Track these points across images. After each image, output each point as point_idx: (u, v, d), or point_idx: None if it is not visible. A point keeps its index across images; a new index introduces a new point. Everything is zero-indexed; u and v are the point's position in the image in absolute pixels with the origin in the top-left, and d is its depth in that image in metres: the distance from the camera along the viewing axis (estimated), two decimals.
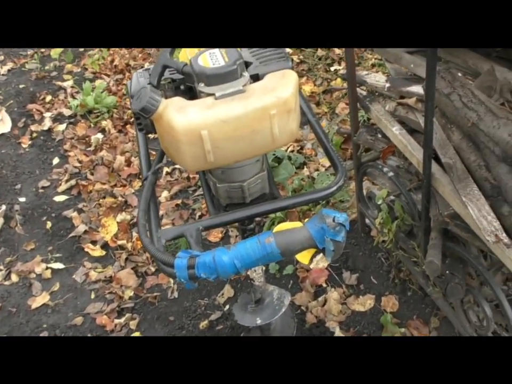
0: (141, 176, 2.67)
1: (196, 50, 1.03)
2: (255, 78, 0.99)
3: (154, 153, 2.52)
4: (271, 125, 0.93)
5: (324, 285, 1.98)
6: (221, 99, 0.92)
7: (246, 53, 1.04)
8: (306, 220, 0.88)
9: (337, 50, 3.23)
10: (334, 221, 0.84)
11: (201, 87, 0.95)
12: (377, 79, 1.80)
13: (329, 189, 0.99)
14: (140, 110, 0.89)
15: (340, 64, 3.14)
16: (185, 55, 1.06)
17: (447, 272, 1.51)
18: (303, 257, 0.88)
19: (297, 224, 0.87)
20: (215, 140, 0.90)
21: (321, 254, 2.03)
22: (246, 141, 0.93)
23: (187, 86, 1.03)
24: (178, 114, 0.90)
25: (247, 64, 1.00)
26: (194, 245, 0.91)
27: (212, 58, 0.96)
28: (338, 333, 1.80)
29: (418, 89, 1.61)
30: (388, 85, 1.73)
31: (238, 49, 1.03)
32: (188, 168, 0.98)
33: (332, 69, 3.12)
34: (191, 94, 1.03)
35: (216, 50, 0.98)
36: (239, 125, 0.90)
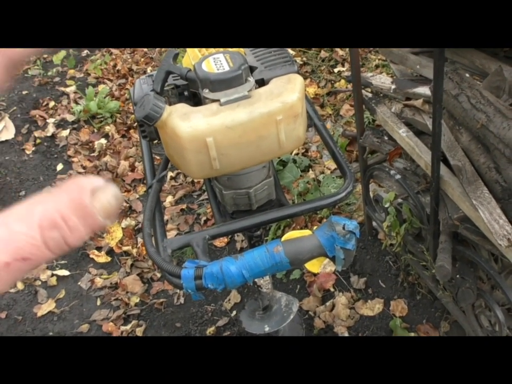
0: (145, 182, 2.66)
1: (199, 55, 1.01)
2: (261, 83, 0.97)
3: (158, 157, 2.50)
4: (278, 130, 0.90)
5: (332, 290, 1.96)
6: (226, 105, 0.90)
7: (251, 58, 1.02)
8: (315, 227, 0.85)
9: (340, 52, 3.21)
10: (344, 228, 0.82)
11: (205, 93, 0.93)
12: (383, 80, 1.78)
13: (337, 195, 0.97)
14: (143, 117, 0.87)
15: (343, 66, 3.12)
16: (188, 60, 1.05)
17: (458, 276, 1.49)
18: (312, 265, 0.86)
19: (306, 232, 0.85)
20: (220, 147, 0.88)
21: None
22: (252, 147, 0.91)
23: (191, 92, 1.01)
24: (182, 121, 0.88)
25: (251, 69, 0.98)
26: (201, 255, 0.89)
27: (216, 64, 0.94)
28: None
29: (425, 90, 1.59)
30: (393, 86, 1.71)
31: (242, 53, 1.02)
32: (193, 175, 0.96)
33: (336, 70, 3.10)
34: (196, 100, 1.01)
35: (220, 55, 0.96)
36: (245, 131, 0.88)
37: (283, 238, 0.85)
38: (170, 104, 0.96)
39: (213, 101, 0.92)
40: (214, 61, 0.94)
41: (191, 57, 1.03)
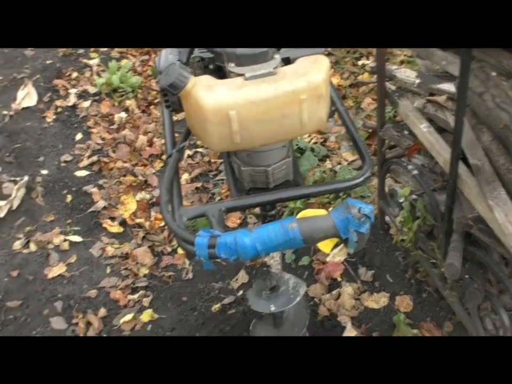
0: (162, 157, 2.68)
1: None
2: (286, 61, 0.97)
3: (178, 135, 2.52)
4: (300, 109, 0.91)
5: (339, 279, 1.96)
6: (251, 80, 0.90)
7: None
8: (330, 208, 0.86)
9: None
10: (359, 211, 0.82)
11: (231, 67, 0.93)
12: (407, 74, 1.77)
13: (355, 179, 0.97)
14: (168, 85, 0.88)
15: (368, 59, 3.09)
16: None
17: (466, 276, 1.48)
18: (325, 245, 0.86)
19: (322, 211, 0.86)
20: (243, 121, 0.89)
21: (339, 247, 2.01)
22: (274, 125, 0.91)
23: (216, 65, 1.02)
24: (207, 92, 0.88)
25: None
26: (216, 225, 0.90)
27: None
28: (349, 328, 1.79)
29: (449, 87, 1.58)
30: (418, 80, 1.69)
31: None
32: (213, 148, 0.97)
33: (360, 63, 3.07)
34: (220, 73, 1.01)
35: None
36: (268, 108, 0.89)
37: (298, 216, 0.86)
38: (195, 76, 0.97)
39: (238, 75, 0.92)
40: None
41: None
